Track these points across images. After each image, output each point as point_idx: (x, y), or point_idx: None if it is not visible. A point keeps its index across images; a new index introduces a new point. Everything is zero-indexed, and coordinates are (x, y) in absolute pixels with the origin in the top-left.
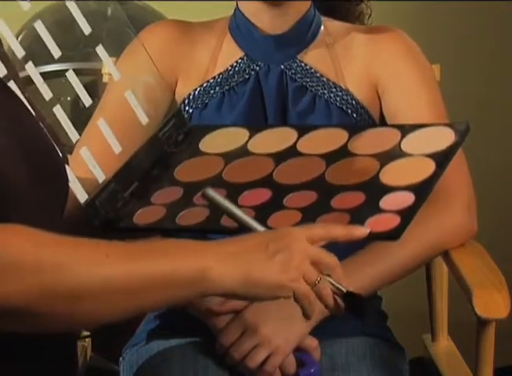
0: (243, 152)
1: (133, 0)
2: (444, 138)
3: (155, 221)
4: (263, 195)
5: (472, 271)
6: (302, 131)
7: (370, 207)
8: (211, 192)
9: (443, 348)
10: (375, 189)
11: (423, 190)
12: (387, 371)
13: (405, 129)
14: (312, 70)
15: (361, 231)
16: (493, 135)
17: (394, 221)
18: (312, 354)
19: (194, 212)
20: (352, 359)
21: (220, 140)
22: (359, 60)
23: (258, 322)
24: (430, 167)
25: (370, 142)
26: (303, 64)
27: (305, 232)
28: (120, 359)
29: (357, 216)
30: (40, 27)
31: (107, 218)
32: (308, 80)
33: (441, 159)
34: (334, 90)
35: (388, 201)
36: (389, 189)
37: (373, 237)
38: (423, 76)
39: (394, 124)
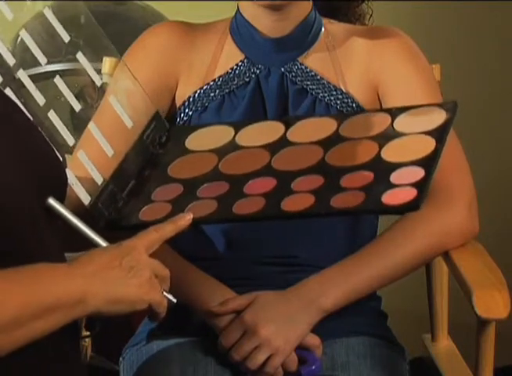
0: (233, 146)
1: (133, 0)
2: (435, 117)
3: (163, 216)
4: (268, 183)
5: (472, 271)
6: (288, 122)
7: (382, 184)
8: (53, 202)
9: (443, 348)
10: (381, 167)
11: (430, 164)
12: (387, 371)
13: (393, 112)
14: (313, 73)
15: (185, 218)
16: (493, 136)
17: (411, 193)
18: (314, 351)
19: (202, 205)
20: (352, 358)
21: (205, 138)
22: (360, 63)
23: (258, 323)
24: (429, 143)
25: (361, 126)
26: (303, 67)
27: (143, 242)
28: (121, 359)
29: (371, 193)
30: (25, 35)
31: (111, 218)
32: (308, 83)
33: (439, 134)
34: (335, 93)
35: (398, 176)
36: (396, 166)
37: (394, 211)
38: (424, 78)
39: (381, 108)
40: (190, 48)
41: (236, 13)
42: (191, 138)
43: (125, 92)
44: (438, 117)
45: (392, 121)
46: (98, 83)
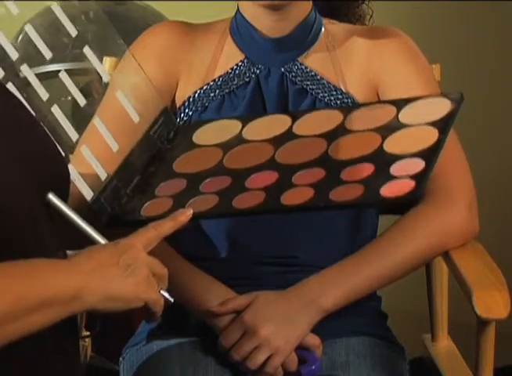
0: (239, 140)
1: (133, 0)
2: (440, 107)
3: (164, 212)
4: (270, 177)
5: (472, 271)
6: (295, 116)
7: (382, 176)
8: (53, 197)
9: (443, 348)
10: (382, 159)
11: (431, 155)
12: (387, 371)
13: (399, 103)
14: (313, 73)
15: (185, 214)
16: (493, 135)
17: (409, 185)
18: (314, 351)
19: (203, 200)
20: (352, 358)
21: (213, 133)
22: (360, 63)
23: (258, 323)
24: (432, 134)
25: (367, 118)
26: (303, 67)
27: (142, 240)
28: (121, 359)
29: (370, 185)
30: (30, 30)
31: (113, 213)
32: (308, 83)
33: (443, 125)
34: (334, 93)
35: (398, 168)
36: (397, 158)
37: (392, 203)
38: (424, 78)
39: (387, 100)
40: (190, 48)
41: (236, 13)
42: (199, 132)
43: (131, 85)
44: (443, 108)
45: (397, 113)
46: (105, 79)
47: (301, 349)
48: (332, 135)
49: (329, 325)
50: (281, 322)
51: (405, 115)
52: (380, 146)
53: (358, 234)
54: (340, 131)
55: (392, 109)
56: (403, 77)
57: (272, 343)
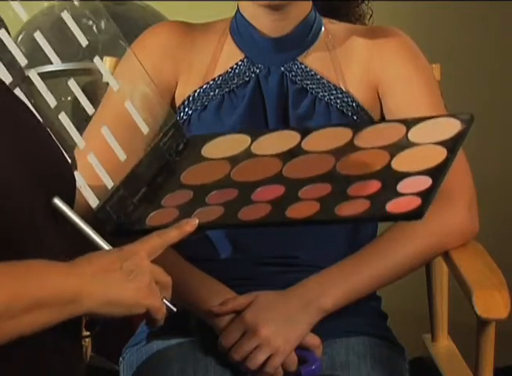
0: (247, 155)
1: (133, 0)
2: (450, 127)
3: (169, 221)
4: (276, 190)
5: (472, 271)
6: (304, 132)
7: (388, 192)
8: (58, 202)
9: (443, 348)
10: (390, 176)
11: (438, 173)
12: (387, 371)
13: (409, 122)
14: (313, 73)
15: (191, 223)
16: (494, 136)
17: (415, 202)
18: (314, 351)
19: (209, 211)
20: (352, 358)
21: (222, 147)
22: (360, 62)
23: (258, 323)
24: (441, 153)
25: (376, 136)
26: (303, 66)
27: (146, 247)
28: (121, 359)
29: (376, 201)
30: (39, 37)
31: (119, 222)
32: (308, 82)
33: (452, 145)
34: (334, 92)
35: (405, 185)
36: (404, 175)
37: (396, 218)
38: (424, 77)
39: (397, 119)
40: (190, 48)
41: (236, 13)
42: (208, 146)
43: (137, 92)
44: (453, 128)
45: (407, 132)
46: (115, 88)
47: (301, 349)
48: (340, 152)
49: (329, 325)
50: (281, 322)
51: (414, 134)
52: (388, 164)
53: (358, 234)
54: (349, 148)
55: (402, 128)
56: (403, 77)
57: (272, 343)
